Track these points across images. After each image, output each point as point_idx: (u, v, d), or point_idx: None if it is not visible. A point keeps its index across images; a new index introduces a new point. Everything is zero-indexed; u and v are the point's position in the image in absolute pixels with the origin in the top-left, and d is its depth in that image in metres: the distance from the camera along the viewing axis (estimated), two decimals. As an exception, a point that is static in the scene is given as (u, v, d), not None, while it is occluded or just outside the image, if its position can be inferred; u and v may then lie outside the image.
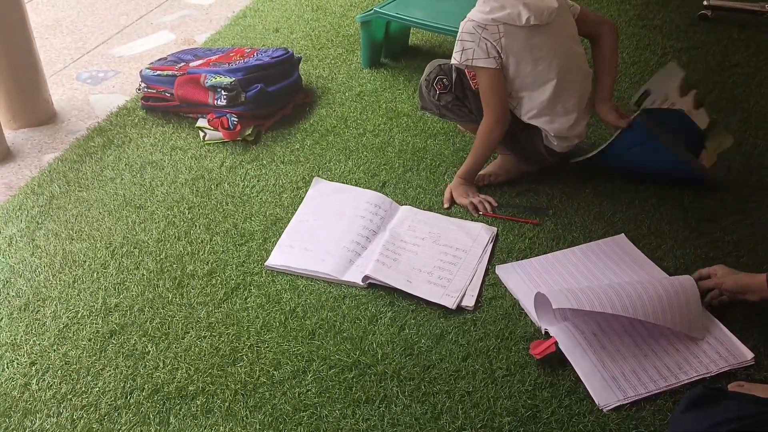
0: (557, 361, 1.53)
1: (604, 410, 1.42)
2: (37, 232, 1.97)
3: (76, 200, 2.09)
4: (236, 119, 2.31)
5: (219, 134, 2.33)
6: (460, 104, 2.03)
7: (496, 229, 1.91)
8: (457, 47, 1.89)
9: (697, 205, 1.96)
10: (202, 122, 2.37)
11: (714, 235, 1.85)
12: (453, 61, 1.92)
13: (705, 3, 3.01)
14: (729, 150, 2.03)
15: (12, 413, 1.47)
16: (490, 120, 1.93)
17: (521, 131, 1.98)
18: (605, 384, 1.46)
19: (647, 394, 1.44)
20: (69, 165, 2.24)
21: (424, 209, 2.00)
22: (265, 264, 1.83)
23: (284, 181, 2.14)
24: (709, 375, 1.47)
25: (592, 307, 1.49)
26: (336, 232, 1.92)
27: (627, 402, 1.43)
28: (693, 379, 1.46)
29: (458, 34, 1.89)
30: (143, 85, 2.49)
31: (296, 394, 1.49)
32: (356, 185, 2.11)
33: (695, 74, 2.59)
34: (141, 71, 2.53)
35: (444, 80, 2.02)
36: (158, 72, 2.46)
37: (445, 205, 2.00)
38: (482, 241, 1.86)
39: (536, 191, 2.05)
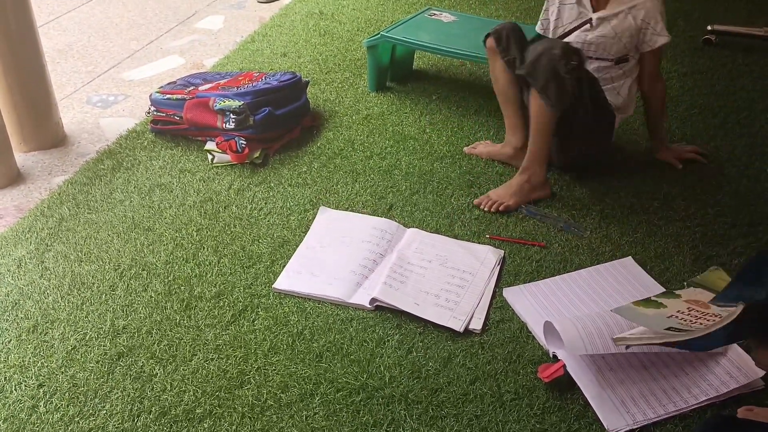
0: (566, 384, 1.52)
1: (614, 435, 1.42)
2: (46, 254, 1.98)
3: (85, 222, 2.10)
4: (244, 142, 2.33)
5: (227, 157, 2.35)
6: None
7: (503, 251, 1.92)
8: (660, 24, 2.06)
9: (705, 228, 1.96)
10: (210, 145, 2.39)
11: (722, 259, 1.85)
12: (663, 40, 2.08)
13: (709, 28, 3.04)
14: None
15: (19, 435, 1.47)
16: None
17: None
18: (614, 408, 1.45)
19: (656, 419, 1.43)
20: (79, 187, 2.26)
21: (431, 232, 2.01)
22: (273, 287, 1.83)
23: (292, 204, 2.16)
24: (719, 400, 1.46)
25: (606, 350, 1.48)
26: (343, 256, 1.93)
27: (636, 427, 1.42)
28: (703, 404, 1.45)
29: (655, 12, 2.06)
30: (153, 108, 2.52)
31: (304, 417, 1.49)
32: (363, 207, 2.12)
33: (700, 98, 2.60)
34: (150, 95, 2.55)
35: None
36: (167, 96, 2.49)
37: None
38: (489, 264, 1.87)
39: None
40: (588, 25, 2.09)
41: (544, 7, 2.24)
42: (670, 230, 1.96)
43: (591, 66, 2.10)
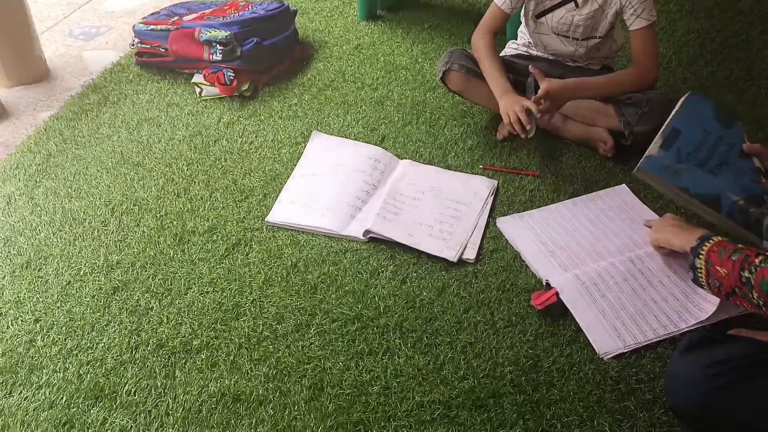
0: (558, 311, 1.54)
1: (605, 358, 1.44)
2: (35, 190, 1.96)
3: (73, 158, 2.07)
4: (233, 74, 2.28)
5: (215, 90, 2.30)
6: None
7: (496, 181, 1.91)
8: (644, 5, 1.84)
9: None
10: (197, 78, 2.34)
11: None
12: (642, 23, 1.85)
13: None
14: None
15: (18, 369, 1.48)
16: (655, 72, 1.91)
17: None
18: (606, 333, 1.47)
19: (647, 342, 1.46)
20: (65, 123, 2.22)
21: (424, 163, 1.99)
22: (266, 220, 1.82)
23: (283, 137, 2.13)
24: (709, 323, 1.48)
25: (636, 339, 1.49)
26: (336, 187, 1.91)
27: (627, 350, 1.45)
28: (693, 327, 1.48)
29: None
30: (137, 40, 2.45)
31: (300, 347, 1.51)
32: (355, 139, 2.10)
33: (696, 22, 2.55)
34: (134, 26, 2.48)
35: None
36: (152, 27, 2.42)
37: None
38: (483, 194, 1.86)
39: (538, 142, 2.03)
40: (572, 3, 1.91)
41: None
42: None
43: (580, 49, 1.98)
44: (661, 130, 1.58)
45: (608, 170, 1.93)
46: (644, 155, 1.57)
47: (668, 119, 1.58)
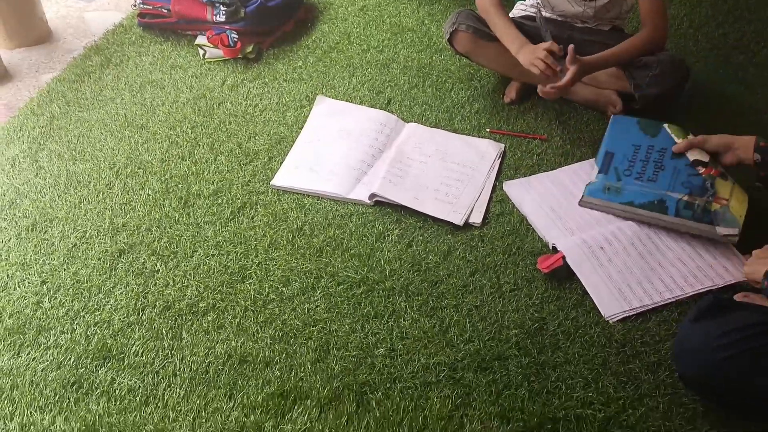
0: (564, 275, 1.54)
1: (610, 321, 1.44)
2: (39, 153, 1.95)
3: (76, 121, 2.06)
4: (236, 36, 2.25)
5: (219, 52, 2.27)
6: None
7: (503, 145, 1.89)
8: None
9: (708, 117, 1.92)
10: (201, 39, 2.31)
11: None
12: None
13: None
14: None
15: (26, 330, 1.49)
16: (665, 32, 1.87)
17: None
18: (611, 296, 1.47)
19: (653, 306, 1.46)
20: (68, 85, 2.20)
21: (430, 126, 1.97)
22: (271, 183, 1.82)
23: (287, 99, 2.10)
24: (715, 287, 1.48)
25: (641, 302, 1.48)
26: (342, 151, 1.90)
27: (633, 313, 1.45)
28: (699, 292, 1.47)
29: None
30: (139, 1, 2.41)
31: (306, 310, 1.51)
32: (361, 103, 2.07)
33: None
34: (136, -14, 2.44)
35: None
36: (154, -13, 2.38)
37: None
38: (489, 158, 1.84)
39: (546, 106, 2.01)
40: None
41: None
42: (673, 121, 1.92)
43: (588, 10, 1.91)
44: (595, 157, 1.71)
45: (616, 134, 1.91)
46: (585, 185, 1.66)
47: (600, 146, 1.72)
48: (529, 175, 1.80)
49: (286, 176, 1.83)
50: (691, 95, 1.97)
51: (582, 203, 1.65)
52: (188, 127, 2.01)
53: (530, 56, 1.79)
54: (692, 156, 1.62)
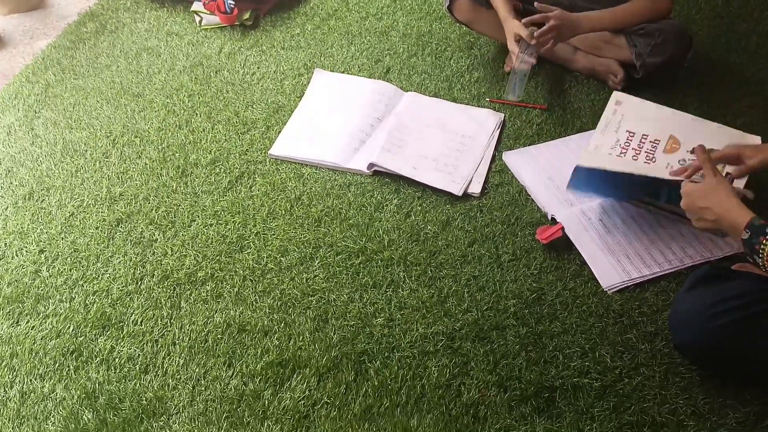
0: (563, 245, 1.53)
1: (608, 292, 1.45)
2: (35, 121, 1.93)
3: (72, 88, 2.04)
4: (233, 2, 2.21)
5: (216, 19, 2.24)
6: None
7: (503, 115, 1.87)
8: None
9: (711, 87, 1.91)
10: (197, 6, 2.28)
11: (725, 119, 1.80)
12: None
13: None
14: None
15: (25, 299, 1.50)
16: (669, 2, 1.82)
17: None
18: (610, 267, 1.47)
19: (651, 276, 1.46)
20: (62, 52, 2.17)
21: (429, 95, 1.95)
22: (269, 153, 1.80)
23: (285, 68, 2.08)
24: (713, 258, 1.48)
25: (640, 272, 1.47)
26: (340, 120, 1.88)
27: (631, 284, 1.45)
28: (697, 263, 1.47)
29: None
30: (134, -34, 2.37)
31: (304, 280, 1.51)
32: (359, 71, 2.05)
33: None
34: (131, -49, 2.39)
35: None
36: (149, -48, 2.34)
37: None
38: (489, 128, 1.83)
39: (546, 75, 1.99)
40: None
41: None
42: (675, 91, 1.90)
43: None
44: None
45: (617, 104, 1.89)
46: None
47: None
48: (529, 145, 1.79)
49: (285, 146, 1.82)
50: (693, 64, 1.95)
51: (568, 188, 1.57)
52: (185, 96, 1.99)
53: (507, 35, 1.82)
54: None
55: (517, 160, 1.74)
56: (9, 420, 1.31)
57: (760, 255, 1.11)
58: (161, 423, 1.29)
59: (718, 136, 1.53)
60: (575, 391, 1.30)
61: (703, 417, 1.25)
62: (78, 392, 1.33)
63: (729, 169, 1.39)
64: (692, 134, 1.54)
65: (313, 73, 2.04)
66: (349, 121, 1.88)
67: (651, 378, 1.31)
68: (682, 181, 1.33)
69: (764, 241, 1.09)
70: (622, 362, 1.34)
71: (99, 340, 1.42)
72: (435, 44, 2.14)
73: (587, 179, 1.52)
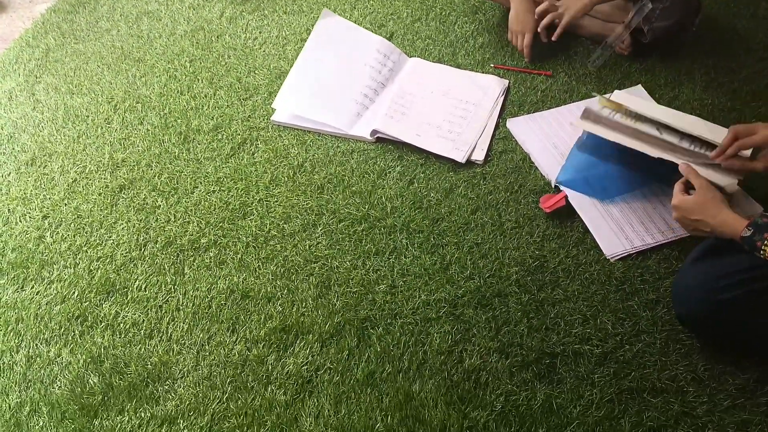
0: (565, 213, 1.53)
1: (611, 260, 1.45)
2: (36, 86, 1.92)
3: (72, 53, 2.02)
4: (234, -35, 2.18)
5: (217, -18, 2.21)
6: None
7: (507, 81, 1.85)
8: None
9: (718, 54, 1.88)
10: (198, -31, 2.24)
11: (733, 85, 1.79)
12: None
13: None
14: None
15: (29, 264, 1.50)
16: None
17: None
18: (613, 234, 1.47)
19: (654, 244, 1.46)
20: (62, 16, 2.15)
21: (433, 61, 1.93)
22: (271, 119, 1.79)
23: (287, 33, 2.06)
24: (716, 226, 1.47)
25: (643, 240, 1.46)
26: (343, 83, 1.86)
27: (634, 251, 1.45)
28: (700, 231, 1.47)
29: None
30: (133, -73, 2.33)
31: (307, 247, 1.51)
32: (363, 36, 2.02)
33: None
34: None
35: None
36: None
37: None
38: (493, 94, 1.81)
39: (551, 40, 1.96)
40: None
41: None
42: (682, 57, 1.88)
43: None
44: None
45: (624, 70, 1.87)
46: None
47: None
48: (533, 112, 1.77)
49: (286, 104, 1.79)
50: (700, 30, 1.92)
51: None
52: (186, 61, 1.97)
53: (516, 22, 1.84)
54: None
55: (521, 127, 1.73)
56: (15, 384, 1.33)
57: (761, 252, 1.13)
58: (166, 387, 1.30)
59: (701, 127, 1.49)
60: (576, 358, 1.31)
61: (703, 383, 1.26)
62: (83, 357, 1.35)
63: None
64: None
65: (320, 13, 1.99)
66: (352, 84, 1.85)
67: (651, 345, 1.32)
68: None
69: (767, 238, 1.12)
70: (623, 329, 1.34)
71: (104, 305, 1.43)
72: (439, 9, 2.11)
73: (594, 146, 1.51)
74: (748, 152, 1.35)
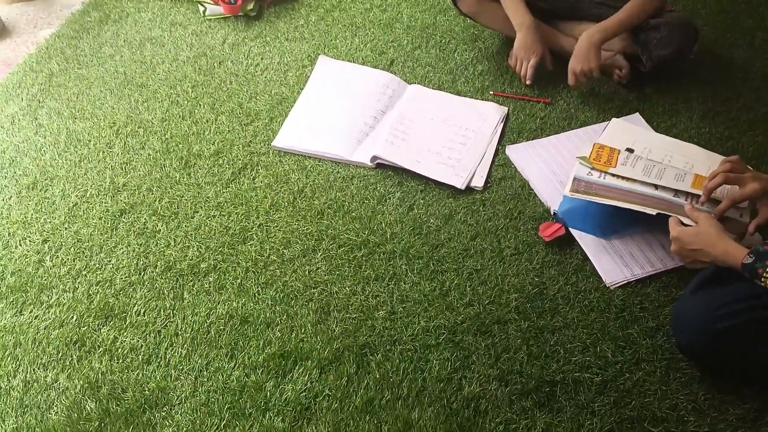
0: (565, 240, 1.53)
1: (611, 287, 1.45)
2: (39, 110, 1.93)
3: (75, 78, 2.04)
4: (237, -7, 2.21)
5: (219, 9, 2.23)
6: None
7: (506, 108, 1.87)
8: None
9: (716, 83, 1.90)
10: (201, -4, 2.27)
11: (730, 114, 1.81)
12: None
13: None
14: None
15: (28, 288, 1.50)
16: None
17: None
18: (612, 262, 1.47)
19: (654, 272, 1.46)
20: (66, 41, 2.17)
21: (433, 88, 1.95)
22: (272, 144, 1.80)
23: (289, 59, 2.08)
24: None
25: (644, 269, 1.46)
26: (343, 111, 1.88)
27: (633, 279, 1.45)
28: (699, 259, 1.47)
29: None
30: (138, -45, 2.37)
31: (306, 272, 1.51)
32: (363, 63, 2.05)
33: None
34: (135, -60, 2.38)
35: None
36: (153, -59, 2.33)
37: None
38: (492, 121, 1.83)
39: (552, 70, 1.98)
40: None
41: None
42: (680, 85, 1.90)
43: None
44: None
45: (622, 97, 1.89)
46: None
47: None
48: (533, 140, 1.79)
49: (287, 137, 1.82)
50: (699, 59, 1.94)
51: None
52: (189, 86, 1.99)
53: (522, 49, 1.87)
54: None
55: (520, 154, 1.74)
56: (12, 409, 1.32)
57: (762, 280, 1.13)
58: (163, 413, 1.29)
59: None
60: (576, 386, 1.30)
61: (704, 412, 1.25)
62: (81, 382, 1.34)
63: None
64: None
65: (317, 60, 2.03)
66: (353, 112, 1.87)
67: (652, 373, 1.31)
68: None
69: None
70: (623, 357, 1.34)
71: (102, 330, 1.42)
72: (439, 37, 2.13)
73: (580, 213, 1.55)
74: (745, 203, 1.36)
